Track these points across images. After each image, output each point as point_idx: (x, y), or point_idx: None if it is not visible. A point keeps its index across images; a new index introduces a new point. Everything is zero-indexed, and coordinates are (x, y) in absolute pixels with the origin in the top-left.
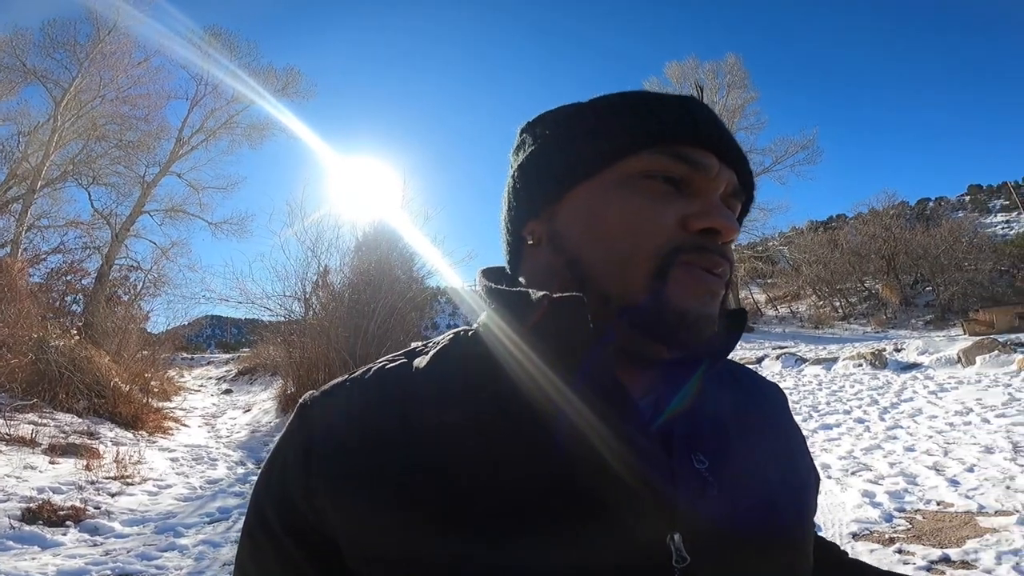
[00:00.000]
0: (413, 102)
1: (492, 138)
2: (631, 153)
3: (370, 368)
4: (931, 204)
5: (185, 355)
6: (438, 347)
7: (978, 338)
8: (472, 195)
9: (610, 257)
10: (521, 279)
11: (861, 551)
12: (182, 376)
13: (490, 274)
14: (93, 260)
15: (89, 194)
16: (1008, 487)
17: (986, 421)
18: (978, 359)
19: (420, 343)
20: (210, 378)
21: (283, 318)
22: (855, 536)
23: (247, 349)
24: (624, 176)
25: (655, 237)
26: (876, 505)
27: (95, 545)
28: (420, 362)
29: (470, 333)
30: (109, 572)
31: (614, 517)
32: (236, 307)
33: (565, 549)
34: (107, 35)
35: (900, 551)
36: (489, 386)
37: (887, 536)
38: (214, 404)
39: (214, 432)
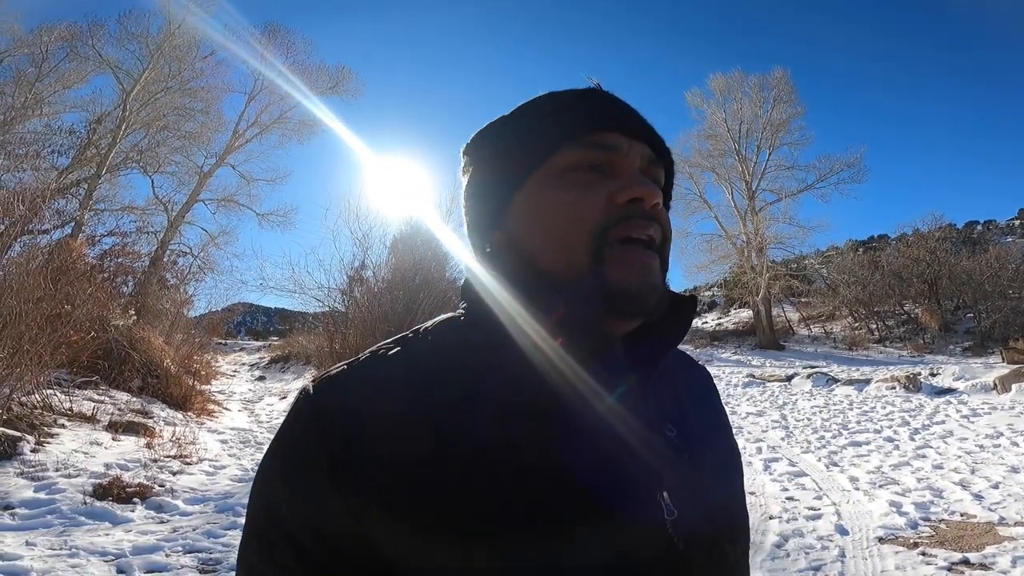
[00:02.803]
0: (471, 110)
1: None
2: (552, 152)
3: (369, 355)
4: (979, 228)
5: (219, 340)
6: (431, 334)
7: (1017, 366)
8: None
9: (554, 248)
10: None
11: (886, 552)
12: (217, 361)
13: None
14: (145, 244)
15: (152, 181)
16: None
17: (1015, 444)
18: (1014, 387)
19: (409, 331)
20: (243, 364)
21: (328, 309)
22: (881, 540)
23: (276, 337)
24: (551, 174)
25: (586, 221)
26: (902, 514)
27: (162, 522)
28: (418, 348)
29: (461, 319)
30: (180, 549)
31: (621, 483)
32: (290, 296)
33: (590, 528)
34: (176, 29)
35: (923, 554)
36: (496, 372)
37: (911, 541)
38: (250, 390)
39: (255, 417)
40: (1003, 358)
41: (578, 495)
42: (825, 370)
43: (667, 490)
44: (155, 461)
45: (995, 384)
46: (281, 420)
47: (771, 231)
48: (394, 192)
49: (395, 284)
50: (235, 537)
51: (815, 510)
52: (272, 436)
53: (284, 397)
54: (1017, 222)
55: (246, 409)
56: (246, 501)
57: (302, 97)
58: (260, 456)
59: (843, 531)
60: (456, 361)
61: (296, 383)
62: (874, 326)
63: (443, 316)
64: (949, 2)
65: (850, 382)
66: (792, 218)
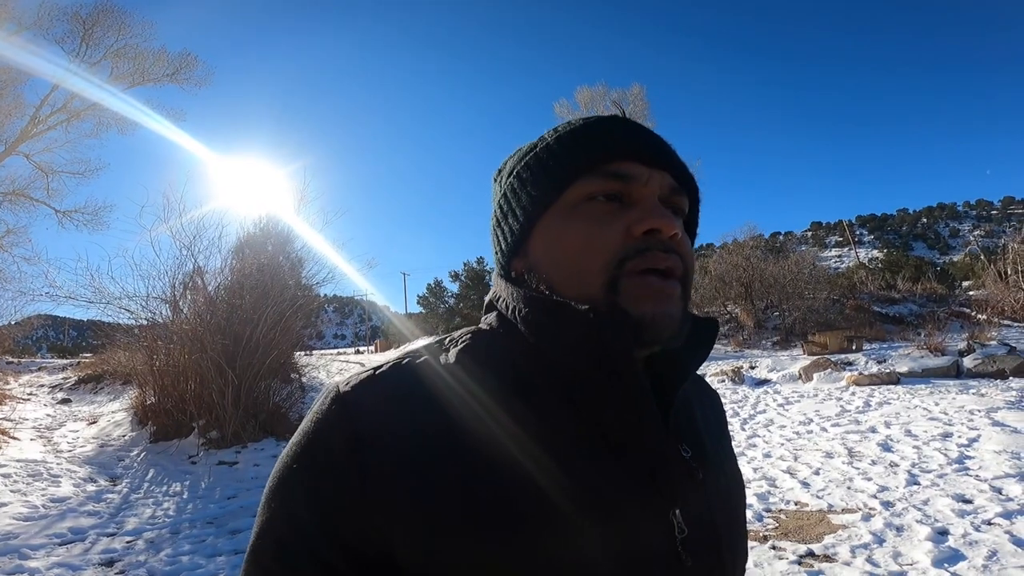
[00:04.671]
0: (323, 107)
1: (401, 149)
2: (569, 184)
3: (398, 362)
4: (781, 237)
5: (10, 359)
6: (460, 345)
7: (815, 358)
8: (377, 204)
9: (572, 278)
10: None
11: None
12: (7, 383)
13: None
14: None
15: None
16: (849, 488)
17: (824, 430)
18: (815, 375)
19: (434, 339)
20: (42, 386)
21: (145, 321)
22: None
23: (89, 355)
24: (570, 205)
25: (603, 253)
26: (748, 506)
27: None
28: (447, 359)
29: (488, 330)
30: None
31: (638, 500)
32: (87, 307)
33: (605, 543)
34: None
35: (774, 547)
36: (519, 386)
37: (761, 534)
38: (49, 415)
39: (52, 446)
40: (804, 350)
41: (596, 510)
42: None
43: (680, 508)
44: None
45: (800, 374)
46: (87, 448)
47: None
48: (243, 190)
49: (235, 292)
50: None
51: None
52: (72, 467)
53: (94, 422)
54: (809, 233)
55: (41, 437)
56: (35, 542)
57: (103, 92)
58: (55, 491)
59: None
60: (482, 373)
61: (112, 405)
62: None
63: (470, 328)
64: (762, 42)
65: None
66: None
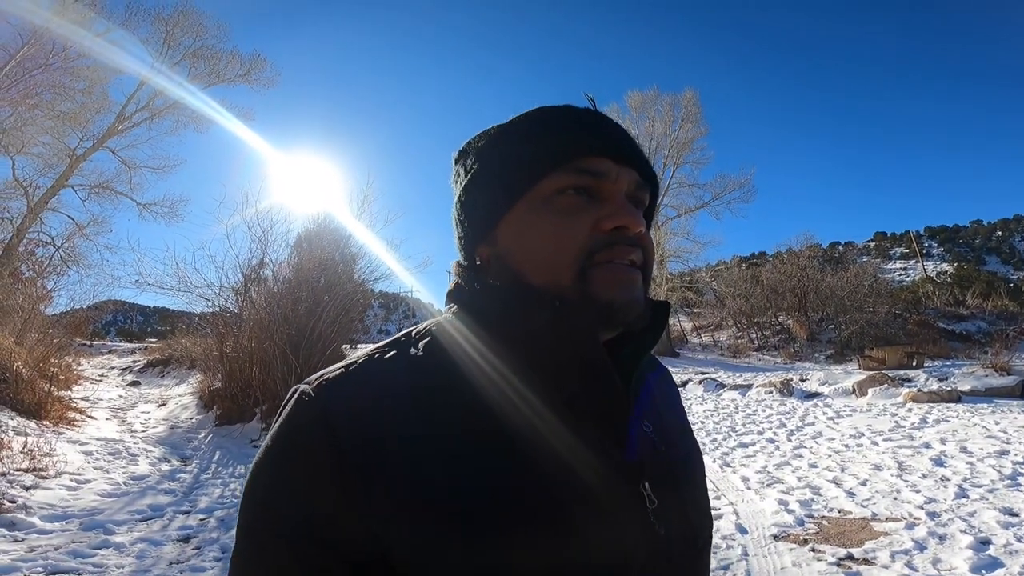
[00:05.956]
0: (388, 110)
1: (449, 145)
2: (543, 176)
3: (369, 358)
4: (840, 248)
5: (83, 342)
6: (426, 338)
7: (871, 373)
8: (434, 204)
9: (543, 268)
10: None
11: (782, 550)
12: (80, 364)
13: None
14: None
15: (13, 162)
16: (895, 499)
17: (875, 444)
18: (870, 391)
19: (400, 335)
20: (112, 368)
21: (219, 309)
22: (776, 537)
23: (154, 339)
24: (541, 197)
25: (573, 246)
26: (790, 512)
27: (16, 541)
28: (415, 352)
29: (451, 321)
30: (41, 569)
31: (609, 474)
32: (173, 295)
33: (583, 517)
34: (72, 3)
35: (813, 550)
36: (490, 372)
37: (801, 538)
38: (121, 396)
39: (126, 426)
40: (859, 365)
41: (573, 486)
42: (714, 376)
43: (648, 480)
44: (3, 475)
45: (854, 388)
46: (159, 429)
47: (671, 245)
48: (303, 187)
49: (297, 285)
50: (107, 557)
51: (716, 510)
52: (147, 446)
53: (163, 404)
54: (872, 244)
55: (116, 417)
56: (118, 518)
57: (184, 92)
58: (134, 469)
59: (743, 530)
60: (453, 362)
61: (178, 388)
62: (754, 335)
63: (432, 320)
64: (827, 55)
65: (735, 387)
66: (689, 233)
